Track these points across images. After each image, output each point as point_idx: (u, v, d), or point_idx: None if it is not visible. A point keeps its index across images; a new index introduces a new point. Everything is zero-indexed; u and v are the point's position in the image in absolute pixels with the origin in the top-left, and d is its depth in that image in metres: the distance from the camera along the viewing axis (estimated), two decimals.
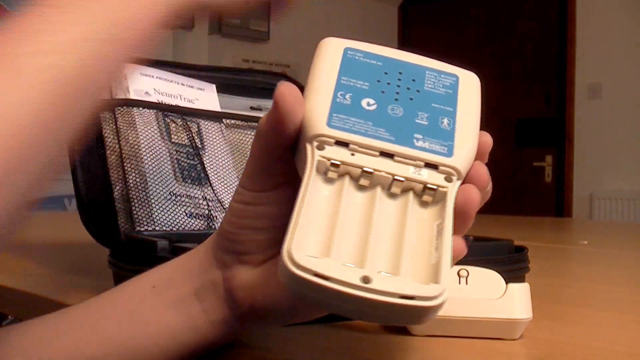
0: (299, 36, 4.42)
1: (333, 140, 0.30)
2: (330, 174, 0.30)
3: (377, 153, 0.30)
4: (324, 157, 0.30)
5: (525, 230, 1.47)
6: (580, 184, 4.18)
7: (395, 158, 0.30)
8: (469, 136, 0.32)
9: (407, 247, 0.28)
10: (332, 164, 0.30)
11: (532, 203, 4.33)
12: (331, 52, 0.33)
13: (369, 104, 0.31)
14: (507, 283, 0.45)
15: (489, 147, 0.33)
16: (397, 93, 0.32)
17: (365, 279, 0.26)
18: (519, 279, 0.56)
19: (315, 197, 0.29)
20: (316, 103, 0.31)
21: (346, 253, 0.28)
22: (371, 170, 0.30)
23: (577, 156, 4.19)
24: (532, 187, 4.39)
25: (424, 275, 0.27)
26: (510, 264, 0.56)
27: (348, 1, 4.73)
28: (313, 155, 0.30)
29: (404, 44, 4.96)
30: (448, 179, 0.31)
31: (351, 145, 0.30)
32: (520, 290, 0.45)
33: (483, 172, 0.32)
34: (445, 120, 0.32)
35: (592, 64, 4.11)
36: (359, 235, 0.29)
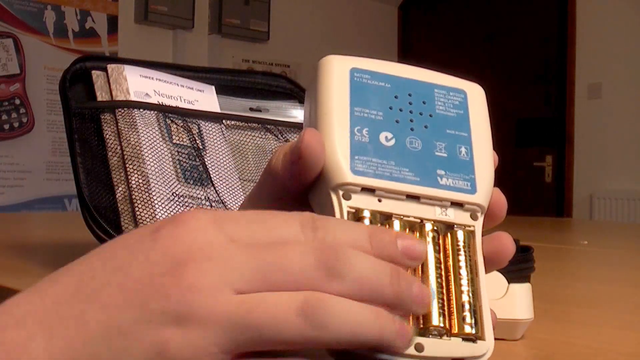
0: (299, 36, 4.42)
1: (359, 188, 0.29)
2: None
3: (404, 197, 0.30)
4: (351, 207, 0.29)
5: (525, 230, 1.47)
6: (580, 184, 4.18)
7: (422, 200, 0.30)
8: (486, 165, 0.32)
9: (447, 296, 0.28)
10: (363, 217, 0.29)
11: (532, 203, 4.33)
12: (337, 76, 0.31)
13: (387, 139, 0.30)
14: (509, 283, 0.45)
15: (495, 165, 0.33)
16: (412, 121, 0.31)
17: (419, 347, 0.26)
18: (525, 278, 0.56)
19: None
20: (336, 145, 0.29)
21: None
22: (400, 217, 0.30)
23: (577, 156, 4.19)
24: (532, 187, 4.39)
25: (468, 328, 0.28)
26: (517, 263, 0.56)
27: (348, 1, 4.73)
28: (340, 206, 0.29)
29: (404, 45, 4.96)
30: (473, 217, 0.31)
31: (377, 192, 0.29)
32: (522, 291, 0.45)
33: (502, 201, 0.32)
34: (463, 149, 0.32)
35: (592, 64, 4.10)
36: None
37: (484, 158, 0.32)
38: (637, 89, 3.93)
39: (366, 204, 0.29)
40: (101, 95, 0.69)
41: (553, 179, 4.33)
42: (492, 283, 0.45)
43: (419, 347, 0.26)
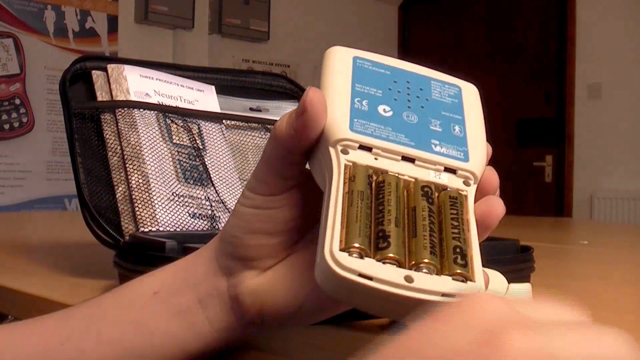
0: (299, 36, 4.42)
1: (357, 145, 0.31)
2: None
3: (399, 157, 0.31)
4: (349, 160, 0.30)
5: (525, 230, 1.47)
6: (580, 184, 4.18)
7: (417, 162, 0.31)
8: (479, 143, 0.33)
9: (439, 240, 0.29)
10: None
11: (532, 203, 4.33)
12: (341, 60, 0.34)
13: (385, 111, 0.32)
14: (509, 283, 0.45)
15: (489, 156, 0.34)
16: (409, 101, 0.33)
17: (408, 278, 0.27)
18: (525, 278, 0.56)
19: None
20: (336, 108, 0.31)
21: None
22: (395, 174, 0.31)
23: (577, 156, 4.19)
24: (532, 187, 4.39)
25: (459, 268, 0.28)
26: (517, 263, 0.56)
27: (348, 1, 4.73)
28: (339, 159, 0.30)
29: (404, 44, 4.96)
30: (466, 183, 0.32)
31: (374, 150, 0.31)
32: (522, 291, 0.45)
33: (494, 177, 0.33)
34: (457, 128, 0.33)
35: (592, 64, 4.10)
36: None
37: (478, 138, 0.33)
38: (637, 89, 3.93)
39: (363, 160, 0.31)
40: (101, 95, 0.69)
41: (553, 179, 4.33)
42: (492, 283, 0.45)
43: (409, 279, 0.27)
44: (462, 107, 0.34)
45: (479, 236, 0.31)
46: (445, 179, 0.31)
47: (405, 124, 0.32)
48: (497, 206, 0.31)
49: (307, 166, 0.33)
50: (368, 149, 0.31)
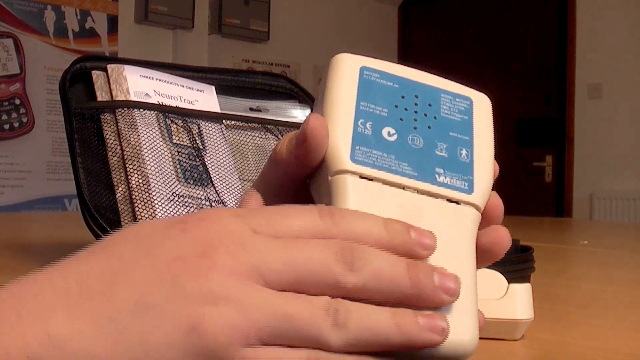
0: (299, 36, 4.42)
1: (357, 176, 0.30)
2: None
3: (401, 188, 0.30)
4: None
5: (525, 230, 1.47)
6: (580, 184, 4.18)
7: (418, 195, 0.31)
8: (486, 168, 0.33)
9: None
10: None
11: (532, 203, 4.33)
12: (347, 72, 0.33)
13: (389, 134, 0.31)
14: (509, 283, 0.45)
15: (495, 176, 0.33)
16: (415, 120, 0.32)
17: None
18: (525, 278, 0.56)
19: None
20: (338, 134, 0.30)
21: None
22: None
23: (577, 156, 4.19)
24: (532, 187, 4.39)
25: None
26: (517, 263, 0.56)
27: (348, 1, 4.73)
28: None
29: (404, 44, 4.96)
30: None
31: (375, 182, 0.30)
32: (522, 291, 0.45)
33: (499, 204, 0.32)
34: (464, 152, 0.32)
35: (592, 64, 4.10)
36: None
37: (484, 162, 0.33)
38: (637, 89, 3.93)
39: None
40: (101, 95, 0.69)
41: (553, 179, 4.33)
42: (492, 283, 0.45)
43: None
44: (471, 125, 0.34)
45: (483, 263, 0.31)
46: None
47: (410, 150, 0.31)
48: (503, 237, 0.31)
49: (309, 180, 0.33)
50: (369, 180, 0.30)
